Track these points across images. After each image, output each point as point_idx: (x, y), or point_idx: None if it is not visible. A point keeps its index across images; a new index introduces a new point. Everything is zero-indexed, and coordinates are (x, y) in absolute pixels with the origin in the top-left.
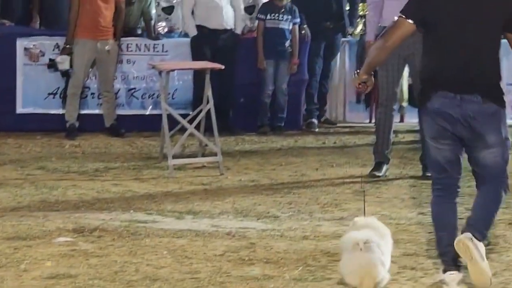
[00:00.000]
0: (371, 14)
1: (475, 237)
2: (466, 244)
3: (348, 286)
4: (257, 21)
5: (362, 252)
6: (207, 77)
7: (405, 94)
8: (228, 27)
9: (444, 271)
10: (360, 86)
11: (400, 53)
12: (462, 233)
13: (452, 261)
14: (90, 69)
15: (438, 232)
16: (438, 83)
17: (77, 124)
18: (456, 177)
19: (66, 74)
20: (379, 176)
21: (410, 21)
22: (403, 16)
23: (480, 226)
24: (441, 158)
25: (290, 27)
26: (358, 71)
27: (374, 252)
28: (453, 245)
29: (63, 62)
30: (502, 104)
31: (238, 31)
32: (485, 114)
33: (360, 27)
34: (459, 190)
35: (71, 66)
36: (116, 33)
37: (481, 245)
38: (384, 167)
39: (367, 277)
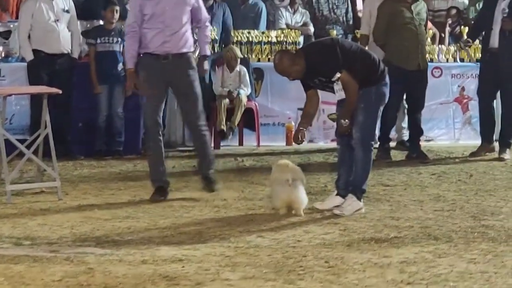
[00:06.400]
0: (129, 43)
1: None
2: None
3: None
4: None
5: (290, 187)
6: (45, 101)
7: None
8: (65, 51)
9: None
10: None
11: (164, 79)
12: None
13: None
14: None
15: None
16: None
17: None
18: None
19: None
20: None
21: None
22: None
23: None
24: None
25: (121, 49)
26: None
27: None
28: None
29: None
30: None
31: (75, 55)
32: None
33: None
34: None
35: None
36: None
37: None
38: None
39: (296, 205)
